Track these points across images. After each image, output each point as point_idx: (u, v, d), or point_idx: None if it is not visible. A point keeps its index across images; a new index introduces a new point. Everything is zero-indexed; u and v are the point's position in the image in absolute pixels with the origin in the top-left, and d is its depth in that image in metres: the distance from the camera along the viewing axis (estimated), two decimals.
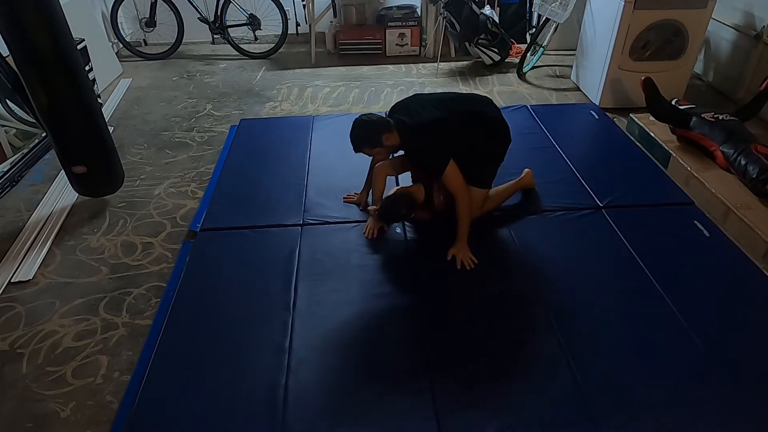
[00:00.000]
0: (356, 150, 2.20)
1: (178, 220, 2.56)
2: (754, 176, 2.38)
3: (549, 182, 2.67)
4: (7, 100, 3.06)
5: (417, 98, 2.33)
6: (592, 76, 3.60)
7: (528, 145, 3.02)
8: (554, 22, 3.86)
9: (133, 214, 2.61)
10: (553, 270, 2.14)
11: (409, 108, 2.23)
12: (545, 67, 4.27)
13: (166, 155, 3.14)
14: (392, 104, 2.32)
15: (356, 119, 2.17)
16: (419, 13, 4.60)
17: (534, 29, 4.34)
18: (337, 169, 2.81)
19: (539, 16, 4.17)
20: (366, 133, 2.15)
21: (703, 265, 2.15)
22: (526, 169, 2.63)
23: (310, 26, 4.53)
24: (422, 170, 2.35)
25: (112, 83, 4.16)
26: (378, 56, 4.61)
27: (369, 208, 2.44)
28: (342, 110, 3.64)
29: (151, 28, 4.69)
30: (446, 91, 3.66)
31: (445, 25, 4.37)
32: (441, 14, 4.30)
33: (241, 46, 4.66)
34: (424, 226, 2.40)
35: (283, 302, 2.01)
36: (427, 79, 4.14)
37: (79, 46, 3.39)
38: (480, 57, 4.34)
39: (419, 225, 2.40)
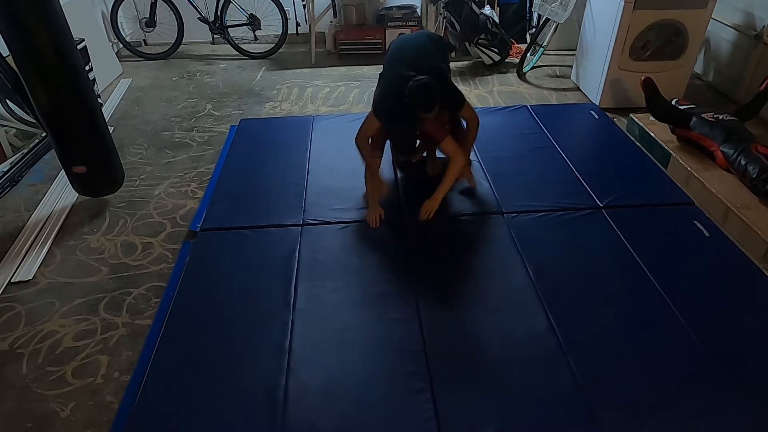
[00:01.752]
0: (430, 111, 2.19)
1: (178, 220, 2.56)
2: (754, 176, 2.38)
3: (549, 182, 2.67)
4: (7, 100, 3.06)
5: (402, 54, 2.41)
6: (592, 76, 3.60)
7: (528, 145, 3.02)
8: (554, 22, 3.86)
9: (133, 214, 2.61)
10: (553, 270, 2.14)
11: (409, 63, 2.31)
12: (545, 67, 4.27)
13: (166, 155, 3.14)
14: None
15: (420, 82, 2.15)
16: (419, 13, 4.60)
17: (534, 29, 4.34)
18: (337, 169, 2.81)
19: (539, 16, 4.17)
20: (440, 90, 2.20)
21: (703, 265, 2.16)
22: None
23: (310, 26, 4.53)
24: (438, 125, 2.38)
25: (112, 83, 4.16)
26: (378, 56, 4.60)
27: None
28: (342, 110, 3.63)
29: (151, 28, 4.69)
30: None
31: (445, 25, 4.36)
32: (441, 14, 4.30)
33: (241, 46, 4.66)
34: (424, 227, 2.40)
35: (283, 302, 2.01)
36: None
37: (79, 46, 3.39)
38: (480, 57, 4.33)
39: (419, 226, 2.40)
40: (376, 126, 2.35)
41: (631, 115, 3.23)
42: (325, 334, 1.88)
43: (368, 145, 2.44)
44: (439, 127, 2.37)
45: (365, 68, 4.34)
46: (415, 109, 2.19)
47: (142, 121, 3.57)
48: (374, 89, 2.56)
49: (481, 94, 3.84)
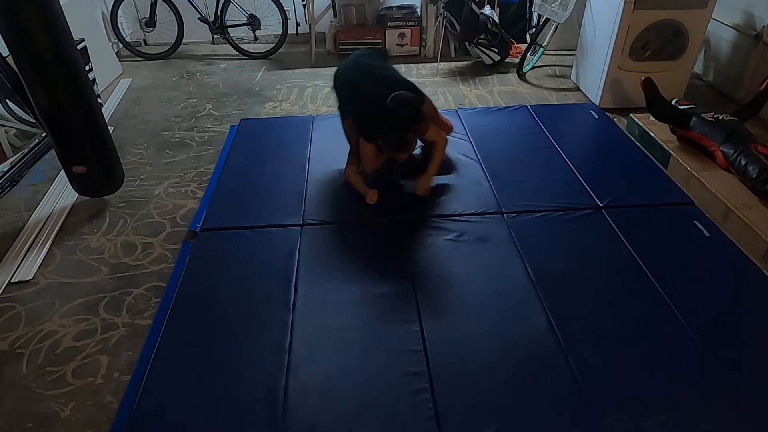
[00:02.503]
0: (421, 121, 2.40)
1: (178, 220, 2.56)
2: (754, 176, 2.38)
3: (549, 182, 2.67)
4: (7, 100, 3.06)
5: (353, 77, 2.56)
6: (592, 76, 3.60)
7: (528, 145, 3.02)
8: (554, 22, 3.86)
9: (133, 214, 2.61)
10: (553, 270, 2.14)
11: (367, 83, 2.47)
12: (545, 67, 4.27)
13: (166, 155, 3.14)
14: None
15: (401, 100, 2.32)
16: (419, 13, 4.60)
17: (534, 29, 4.34)
18: (336, 169, 2.80)
19: (539, 16, 4.17)
20: (417, 97, 2.42)
21: (703, 265, 2.15)
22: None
23: (310, 26, 4.53)
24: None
25: (112, 83, 4.17)
26: None
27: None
28: None
29: (151, 28, 4.69)
30: (444, 91, 3.70)
31: (445, 25, 4.37)
32: (441, 14, 4.30)
33: (241, 46, 4.66)
34: (425, 227, 2.40)
35: (283, 302, 2.01)
36: (427, 79, 4.14)
37: (79, 46, 3.39)
38: (480, 57, 4.34)
39: (419, 226, 2.40)
40: (373, 153, 2.52)
41: (631, 115, 3.23)
42: (325, 334, 1.88)
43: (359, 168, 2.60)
44: (423, 124, 2.50)
45: None
46: (408, 125, 2.38)
47: (142, 121, 3.57)
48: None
49: (481, 94, 3.84)
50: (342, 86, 2.64)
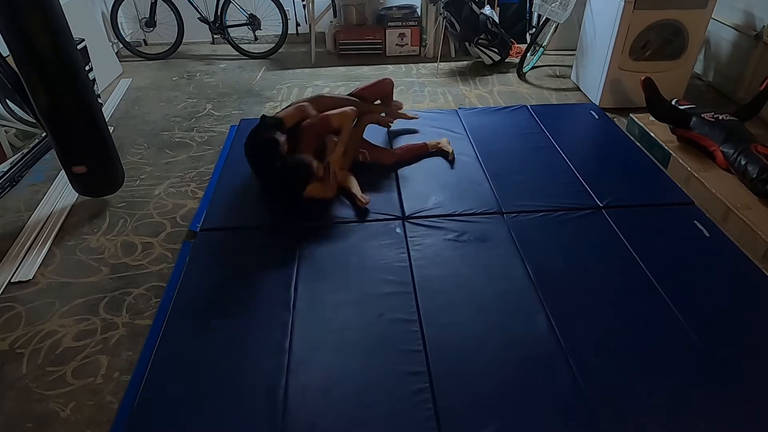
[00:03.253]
0: (278, 130, 2.49)
1: (178, 220, 2.56)
2: (754, 176, 2.38)
3: (549, 182, 2.67)
4: (7, 100, 3.06)
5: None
6: (592, 76, 3.60)
7: (528, 145, 3.02)
8: (554, 22, 3.86)
9: (133, 214, 2.61)
10: (553, 270, 2.14)
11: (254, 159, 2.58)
12: (545, 67, 4.27)
13: (166, 155, 3.14)
14: None
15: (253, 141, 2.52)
16: (419, 13, 4.60)
17: (534, 29, 4.34)
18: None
19: (539, 16, 4.17)
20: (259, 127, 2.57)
21: (703, 265, 2.15)
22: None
23: (310, 26, 4.53)
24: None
25: (112, 83, 4.17)
26: (378, 56, 4.61)
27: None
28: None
29: (151, 28, 4.69)
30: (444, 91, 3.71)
31: (445, 25, 4.37)
32: (441, 14, 4.30)
33: (241, 46, 4.66)
34: (425, 227, 2.40)
35: (283, 302, 2.01)
36: (427, 79, 4.14)
37: (79, 46, 3.39)
38: (480, 57, 4.34)
39: (420, 227, 2.40)
40: (319, 187, 2.49)
41: (631, 115, 3.23)
42: (325, 334, 1.88)
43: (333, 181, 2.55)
44: (319, 124, 2.56)
45: (365, 68, 4.34)
46: (272, 148, 2.40)
47: (142, 121, 3.57)
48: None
49: (481, 94, 3.84)
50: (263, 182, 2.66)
